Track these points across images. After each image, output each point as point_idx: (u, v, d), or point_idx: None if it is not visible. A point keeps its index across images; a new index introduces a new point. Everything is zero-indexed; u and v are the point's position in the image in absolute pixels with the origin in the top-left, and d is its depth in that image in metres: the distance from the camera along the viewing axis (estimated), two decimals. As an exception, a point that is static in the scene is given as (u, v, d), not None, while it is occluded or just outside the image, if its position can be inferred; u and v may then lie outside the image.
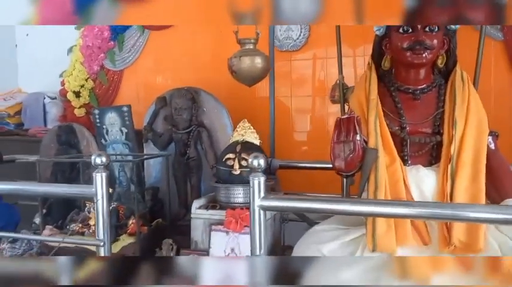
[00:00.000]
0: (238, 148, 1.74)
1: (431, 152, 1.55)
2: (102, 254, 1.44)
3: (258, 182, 1.22)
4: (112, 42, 3.35)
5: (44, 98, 3.50)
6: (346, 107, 2.09)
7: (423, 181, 1.47)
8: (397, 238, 1.37)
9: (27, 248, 1.90)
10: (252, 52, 1.77)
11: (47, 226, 1.96)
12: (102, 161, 1.41)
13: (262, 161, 1.22)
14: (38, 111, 3.46)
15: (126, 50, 3.36)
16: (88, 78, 3.44)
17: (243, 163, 1.71)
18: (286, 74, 2.99)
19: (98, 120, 2.48)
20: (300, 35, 2.85)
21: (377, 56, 1.73)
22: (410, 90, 1.63)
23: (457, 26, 1.61)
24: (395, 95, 1.65)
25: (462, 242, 1.31)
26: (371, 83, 1.66)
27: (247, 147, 1.75)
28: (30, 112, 3.47)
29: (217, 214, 1.69)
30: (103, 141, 2.51)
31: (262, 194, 1.22)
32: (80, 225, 1.96)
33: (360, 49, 2.84)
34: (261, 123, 2.30)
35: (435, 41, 1.52)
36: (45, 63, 3.65)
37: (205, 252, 1.65)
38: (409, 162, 1.55)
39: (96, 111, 2.49)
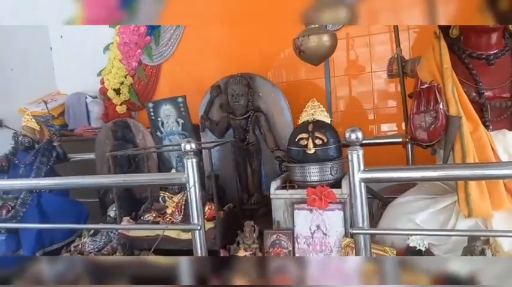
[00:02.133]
0: (310, 127, 1.75)
1: (513, 116, 1.54)
2: (197, 237, 1.48)
3: (357, 155, 1.23)
4: (148, 37, 3.37)
5: (86, 98, 3.54)
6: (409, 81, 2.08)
7: (511, 145, 1.46)
8: (492, 202, 1.38)
9: (107, 241, 1.96)
10: (319, 30, 1.77)
11: (124, 218, 2.01)
12: (191, 147, 1.44)
13: (360, 135, 1.23)
14: (81, 111, 3.52)
15: (162, 44, 3.38)
16: (127, 75, 3.47)
17: (317, 141, 1.72)
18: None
19: (152, 113, 2.52)
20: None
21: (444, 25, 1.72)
22: (483, 56, 1.62)
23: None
24: (469, 61, 1.63)
25: (562, 201, 1.31)
26: (442, 52, 1.65)
27: (320, 125, 1.76)
28: (74, 112, 3.53)
29: (297, 193, 1.71)
30: (158, 133, 2.55)
31: (361, 167, 1.24)
32: (154, 215, 2.00)
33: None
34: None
35: (510, 4, 1.50)
36: (81, 64, 3.69)
37: (289, 231, 1.68)
38: (491, 127, 1.54)
39: (150, 105, 2.52)
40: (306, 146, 1.73)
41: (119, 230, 1.96)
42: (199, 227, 1.46)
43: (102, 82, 3.56)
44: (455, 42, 1.69)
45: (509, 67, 1.60)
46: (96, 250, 1.91)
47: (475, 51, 1.63)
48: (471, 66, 1.62)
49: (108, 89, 3.50)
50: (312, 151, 1.72)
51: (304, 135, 1.75)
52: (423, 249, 1.34)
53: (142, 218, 2.04)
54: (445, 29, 1.72)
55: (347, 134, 1.23)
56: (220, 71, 2.85)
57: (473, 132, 1.49)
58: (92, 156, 2.83)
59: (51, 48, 3.93)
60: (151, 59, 3.43)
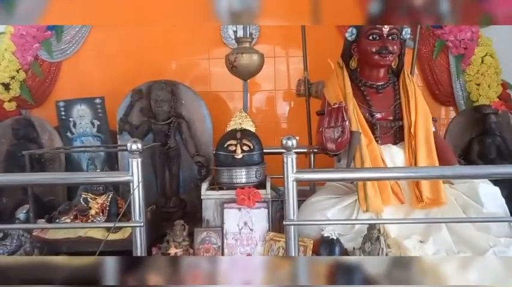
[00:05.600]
0: (238, 135, 1.96)
1: (395, 133, 2.00)
2: (138, 235, 1.55)
3: (291, 159, 1.50)
4: (49, 32, 3.16)
5: (-34, 91, 3.12)
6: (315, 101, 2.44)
7: (395, 156, 1.90)
8: (382, 199, 1.77)
9: (18, 244, 1.81)
10: (250, 50, 1.99)
11: (40, 220, 1.90)
12: (138, 147, 1.52)
13: (294, 142, 1.49)
14: (-41, 105, 3.08)
15: (65, 41, 3.20)
16: (20, 69, 3.18)
17: (245, 147, 1.94)
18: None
19: (63, 113, 2.41)
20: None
21: (346, 57, 2.12)
22: (374, 86, 2.05)
23: (408, 36, 2.08)
24: (364, 89, 2.05)
25: (429, 198, 1.77)
26: (345, 79, 2.04)
27: (247, 134, 1.97)
28: (-51, 106, 3.07)
29: (226, 194, 1.89)
30: (69, 134, 2.44)
31: (294, 169, 1.50)
32: (72, 217, 1.95)
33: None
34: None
35: (395, 47, 1.96)
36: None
37: (219, 228, 1.83)
38: (380, 142, 1.97)
39: (61, 104, 2.41)
40: (235, 151, 1.93)
41: (34, 233, 1.86)
42: (142, 224, 1.53)
43: (-12, 75, 3.18)
44: (353, 73, 2.11)
45: (392, 96, 2.06)
46: (6, 254, 1.77)
47: (368, 81, 2.06)
48: (366, 93, 2.04)
49: (-5, 83, 3.15)
50: (240, 155, 1.93)
51: (233, 141, 1.95)
52: (335, 238, 1.65)
53: (58, 220, 1.96)
54: (346, 61, 2.12)
55: (284, 141, 1.49)
56: (126, 76, 2.86)
57: (368, 145, 1.89)
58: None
59: None
60: (50, 56, 3.20)
